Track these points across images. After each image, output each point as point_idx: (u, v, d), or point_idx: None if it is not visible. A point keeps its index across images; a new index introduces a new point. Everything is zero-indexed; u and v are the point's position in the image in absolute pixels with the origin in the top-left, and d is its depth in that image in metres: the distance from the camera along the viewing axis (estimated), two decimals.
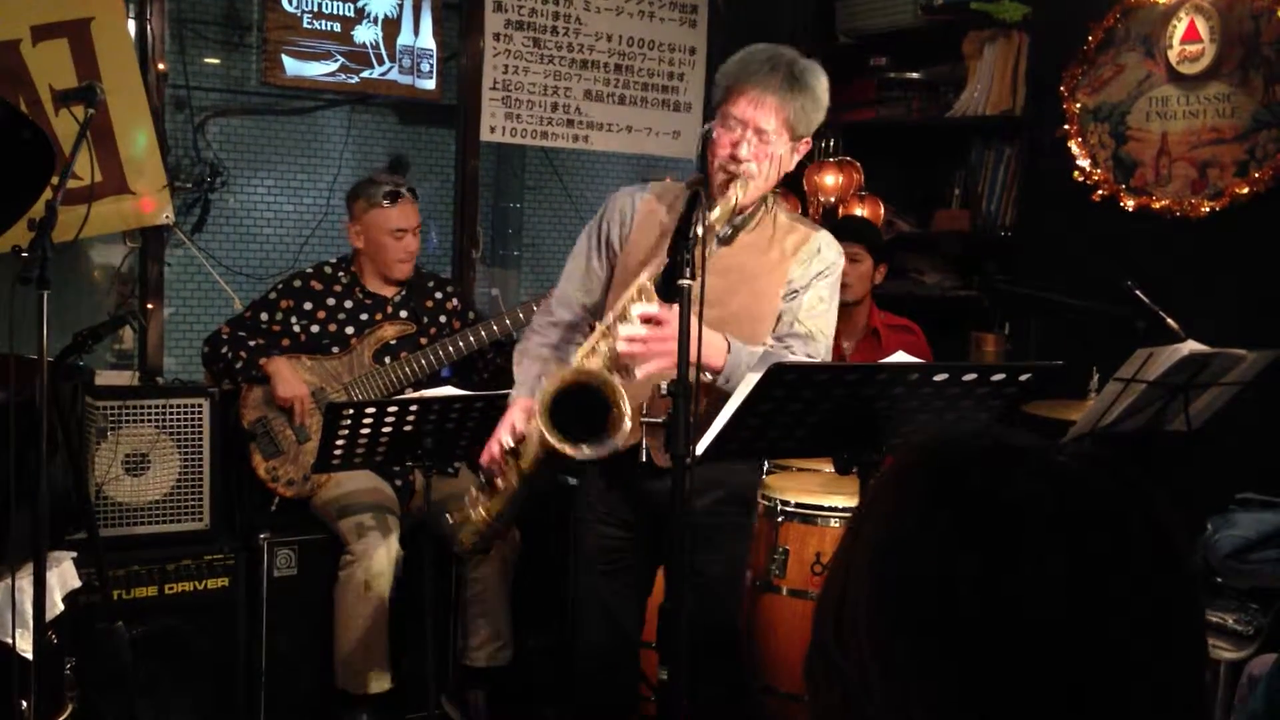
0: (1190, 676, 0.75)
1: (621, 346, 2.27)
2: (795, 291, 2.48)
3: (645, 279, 2.32)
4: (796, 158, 2.46)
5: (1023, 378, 2.14)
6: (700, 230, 2.05)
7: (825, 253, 2.51)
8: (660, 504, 2.28)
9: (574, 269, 2.64)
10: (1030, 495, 0.75)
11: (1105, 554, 0.73)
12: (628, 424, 2.27)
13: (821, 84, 2.39)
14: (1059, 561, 0.72)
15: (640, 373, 2.27)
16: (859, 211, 4.29)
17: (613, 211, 2.58)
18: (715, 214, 2.31)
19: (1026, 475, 0.76)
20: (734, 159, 2.35)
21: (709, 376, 2.28)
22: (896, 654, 0.75)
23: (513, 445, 2.51)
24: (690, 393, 2.00)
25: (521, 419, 2.50)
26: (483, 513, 2.60)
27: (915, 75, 4.62)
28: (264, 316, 3.54)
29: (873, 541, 0.79)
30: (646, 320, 2.23)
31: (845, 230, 3.83)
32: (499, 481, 2.55)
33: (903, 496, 0.80)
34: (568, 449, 2.30)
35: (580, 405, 2.31)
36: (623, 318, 2.34)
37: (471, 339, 3.54)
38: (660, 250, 2.36)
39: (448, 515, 2.72)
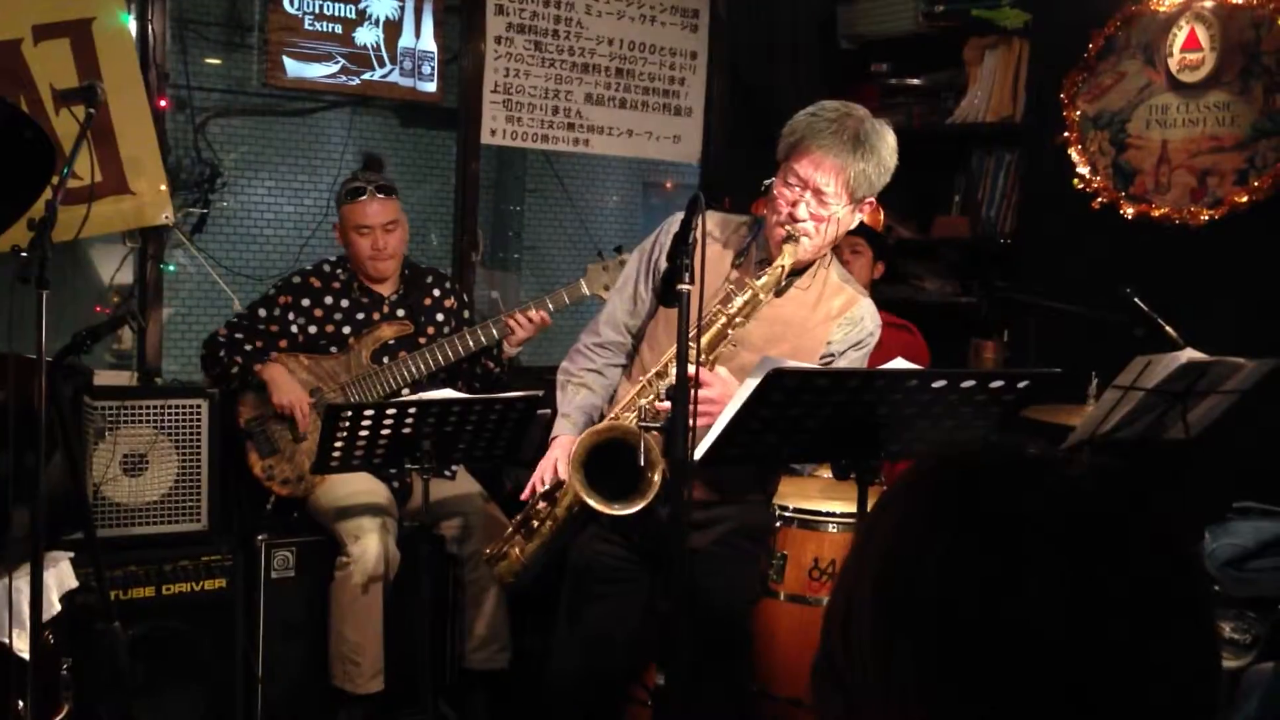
0: (1197, 691, 0.75)
1: (660, 405, 2.28)
2: (831, 355, 2.48)
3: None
4: (859, 217, 2.44)
5: (1021, 385, 2.14)
6: (699, 235, 2.05)
7: (866, 322, 2.51)
8: (666, 529, 2.28)
9: (623, 291, 2.62)
10: (1038, 508, 0.75)
11: (1110, 569, 0.73)
12: (658, 483, 2.28)
13: (888, 146, 2.35)
14: (1063, 574, 0.72)
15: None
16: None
17: (665, 236, 2.53)
18: (762, 282, 2.32)
19: (1035, 488, 0.76)
20: (792, 218, 2.34)
21: None
22: (898, 663, 0.74)
23: (548, 489, 2.49)
24: (690, 396, 2.01)
25: (564, 460, 2.47)
26: (517, 552, 2.59)
27: (916, 81, 4.63)
28: (262, 313, 3.53)
29: (880, 550, 0.79)
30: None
31: None
32: (535, 523, 2.54)
33: (911, 507, 0.80)
34: (600, 506, 2.30)
35: (614, 459, 2.32)
36: (662, 375, 2.34)
37: (470, 341, 3.54)
38: (709, 282, 2.33)
39: (488, 551, 2.72)
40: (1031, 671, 0.71)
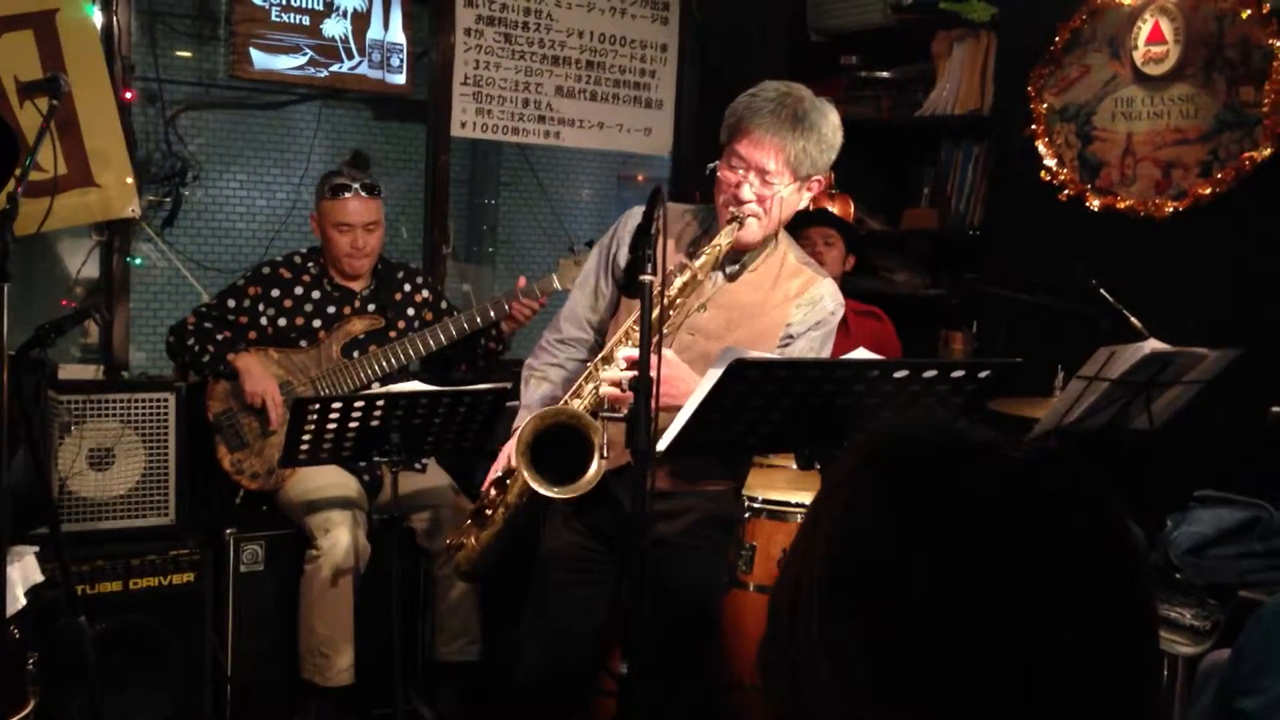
0: (1142, 670, 0.76)
1: (605, 389, 2.28)
2: (791, 337, 2.48)
3: (633, 322, 2.31)
4: (807, 195, 2.43)
5: (982, 374, 2.15)
6: (661, 225, 2.05)
7: (826, 302, 2.49)
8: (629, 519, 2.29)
9: (584, 286, 2.62)
10: (982, 491, 0.75)
11: (1056, 551, 0.74)
12: (595, 466, 2.29)
13: (829, 123, 2.35)
14: (1010, 557, 0.73)
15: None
16: (831, 209, 4.31)
17: (622, 231, 2.53)
18: (700, 261, 2.32)
19: (979, 471, 0.77)
20: (736, 200, 2.35)
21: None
22: (848, 647, 0.75)
23: (499, 476, 2.50)
24: (651, 388, 2.01)
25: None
26: (473, 542, 2.60)
27: (885, 74, 4.64)
28: (231, 303, 3.51)
29: (826, 535, 0.80)
30: (632, 364, 2.22)
31: (821, 217, 3.86)
32: (488, 511, 2.54)
33: (856, 492, 0.80)
34: (543, 489, 2.31)
35: (563, 446, 2.32)
36: (608, 360, 2.35)
37: (440, 335, 3.53)
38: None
39: (447, 541, 2.72)
40: (980, 649, 0.72)
